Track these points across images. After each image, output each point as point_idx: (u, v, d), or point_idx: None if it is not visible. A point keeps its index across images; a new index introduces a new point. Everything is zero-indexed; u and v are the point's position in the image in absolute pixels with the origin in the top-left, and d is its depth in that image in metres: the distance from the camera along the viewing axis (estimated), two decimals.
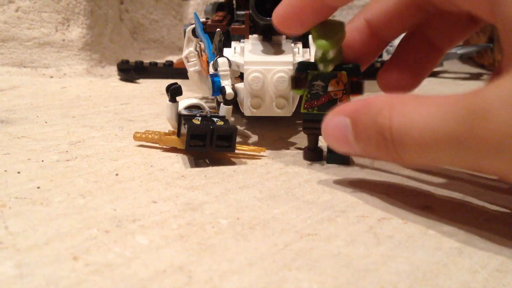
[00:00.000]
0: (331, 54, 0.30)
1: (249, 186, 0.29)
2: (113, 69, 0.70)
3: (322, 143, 0.33)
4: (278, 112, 0.34)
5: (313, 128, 0.32)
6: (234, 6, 0.47)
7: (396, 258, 0.21)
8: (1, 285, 0.19)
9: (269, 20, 0.34)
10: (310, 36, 0.39)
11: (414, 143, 0.22)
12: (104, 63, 0.72)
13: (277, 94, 0.34)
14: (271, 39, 0.37)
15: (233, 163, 0.33)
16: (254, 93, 0.34)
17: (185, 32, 0.44)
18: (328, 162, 0.33)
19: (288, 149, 0.36)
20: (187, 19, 0.96)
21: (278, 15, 0.30)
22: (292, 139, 0.39)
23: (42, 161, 0.33)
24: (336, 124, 0.26)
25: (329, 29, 0.29)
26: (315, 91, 0.31)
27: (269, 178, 0.30)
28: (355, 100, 0.26)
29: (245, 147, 0.35)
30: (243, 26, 0.38)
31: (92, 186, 0.28)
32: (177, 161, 0.33)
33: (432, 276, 0.20)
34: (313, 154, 0.33)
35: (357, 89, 0.32)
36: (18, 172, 0.30)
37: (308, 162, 0.33)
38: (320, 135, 0.29)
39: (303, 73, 0.31)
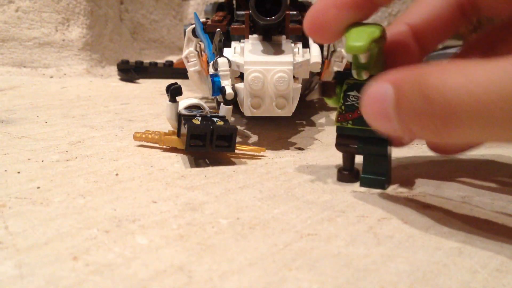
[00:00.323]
0: (362, 58, 0.26)
1: (249, 186, 0.29)
2: (113, 69, 0.69)
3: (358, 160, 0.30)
4: (278, 112, 0.34)
5: (347, 144, 0.29)
6: (234, 6, 0.47)
7: (396, 258, 0.21)
8: (1, 285, 0.19)
9: (269, 20, 0.34)
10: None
11: (471, 110, 0.19)
12: (104, 63, 0.72)
13: (277, 94, 0.34)
14: (271, 39, 0.37)
15: (233, 163, 0.33)
16: (254, 93, 0.34)
17: (185, 32, 0.44)
18: (361, 185, 0.29)
19: (288, 149, 0.36)
20: (187, 19, 0.96)
21: (309, 18, 0.26)
22: (292, 139, 0.39)
23: (42, 161, 0.33)
24: (375, 92, 0.22)
25: (364, 32, 0.25)
26: (350, 103, 0.28)
27: (269, 178, 0.30)
28: (404, 67, 0.22)
29: (245, 147, 0.35)
30: (243, 26, 0.38)
31: (92, 186, 0.28)
32: (177, 161, 0.33)
33: (432, 276, 0.20)
34: (349, 176, 0.29)
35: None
36: (18, 172, 0.30)
37: (307, 163, 0.33)
38: (357, 153, 0.28)
39: (332, 80, 0.29)
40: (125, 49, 0.80)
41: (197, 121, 0.32)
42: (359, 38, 0.25)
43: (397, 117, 0.22)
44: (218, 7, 0.53)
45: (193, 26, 0.42)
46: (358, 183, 0.29)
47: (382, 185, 0.28)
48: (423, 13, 0.28)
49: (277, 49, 0.36)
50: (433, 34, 0.28)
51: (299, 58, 0.36)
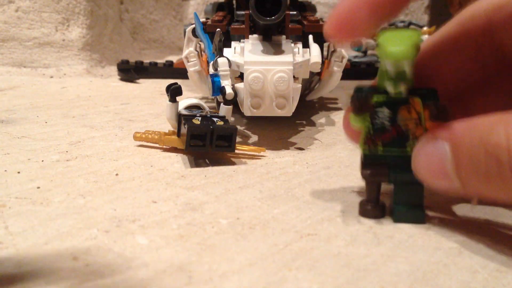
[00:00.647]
0: (406, 67, 0.22)
1: (249, 186, 0.29)
2: (113, 69, 0.70)
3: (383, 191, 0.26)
4: (278, 112, 0.34)
5: (376, 173, 0.24)
6: (234, 6, 0.47)
7: (396, 258, 0.21)
8: (1, 285, 0.19)
9: (269, 20, 0.34)
10: (310, 36, 0.39)
11: None
12: (104, 63, 0.72)
13: (277, 94, 0.34)
14: (271, 39, 0.37)
15: (233, 163, 0.33)
16: (254, 93, 0.34)
17: (185, 32, 0.44)
18: (395, 221, 0.24)
19: (288, 149, 0.36)
20: (187, 19, 0.96)
21: (336, 17, 0.23)
22: (292, 139, 0.39)
23: (42, 161, 0.33)
24: (431, 151, 0.21)
25: (402, 36, 0.22)
26: (380, 122, 0.24)
27: (269, 178, 0.30)
28: (454, 122, 0.21)
29: (245, 147, 0.35)
30: (243, 26, 0.38)
31: (92, 186, 0.28)
32: (177, 161, 0.33)
33: (432, 276, 0.20)
34: (375, 210, 0.25)
35: (441, 115, 0.22)
36: (18, 172, 0.30)
37: (307, 162, 0.33)
38: (385, 182, 0.24)
39: (368, 93, 0.24)
40: (125, 49, 0.80)
41: (197, 121, 0.32)
42: (399, 43, 0.22)
43: (457, 177, 0.20)
44: (218, 7, 0.53)
45: (193, 26, 0.42)
46: (387, 218, 0.25)
47: (422, 219, 0.24)
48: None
49: (277, 49, 0.36)
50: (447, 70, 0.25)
51: (299, 58, 0.36)
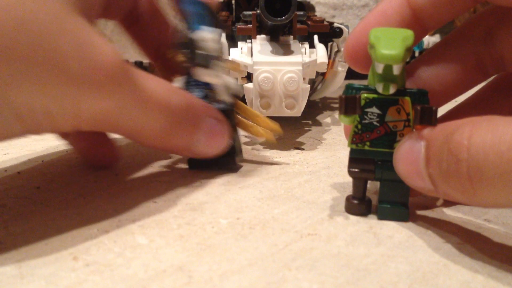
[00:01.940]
0: (396, 70, 0.22)
1: (249, 186, 0.29)
2: None
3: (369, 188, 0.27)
4: (288, 113, 0.34)
5: (362, 170, 0.24)
6: (234, 6, 0.47)
7: (396, 258, 0.21)
8: (1, 285, 0.19)
9: (279, 21, 0.34)
10: (315, 36, 0.39)
11: (499, 171, 0.17)
12: None
13: (286, 94, 0.34)
14: (279, 40, 0.37)
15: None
16: (264, 93, 0.34)
17: None
18: (379, 218, 0.25)
19: (288, 149, 0.36)
20: None
21: (351, 45, 0.24)
22: (293, 139, 0.39)
23: (42, 161, 0.33)
24: (408, 148, 0.21)
25: (396, 37, 0.22)
26: (369, 121, 0.24)
27: (269, 178, 0.30)
28: (435, 125, 0.21)
29: (261, 119, 0.31)
30: (250, 26, 0.38)
31: (92, 186, 0.28)
32: (177, 161, 0.33)
33: (432, 276, 0.20)
34: (360, 206, 0.25)
35: (427, 118, 0.22)
36: (18, 172, 0.30)
37: (307, 162, 0.33)
38: (371, 179, 0.24)
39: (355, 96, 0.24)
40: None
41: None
42: (392, 45, 0.21)
43: (425, 171, 0.20)
44: None
45: None
46: (372, 215, 0.25)
47: (405, 216, 0.24)
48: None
49: (286, 50, 0.36)
50: (437, 12, 0.24)
51: (306, 59, 0.36)
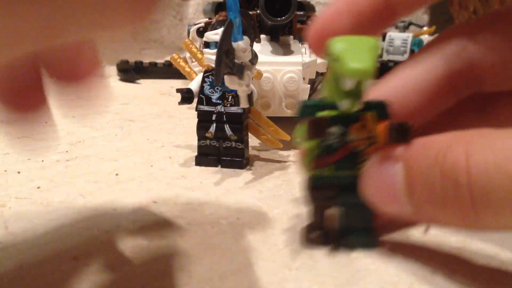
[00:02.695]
0: (366, 85, 0.20)
1: (249, 186, 0.29)
2: (113, 69, 0.69)
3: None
4: (288, 113, 0.34)
5: (323, 197, 0.21)
6: None
7: (396, 258, 0.21)
8: (1, 285, 0.19)
9: (279, 21, 0.34)
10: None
11: (507, 193, 0.15)
12: (104, 63, 0.72)
13: (286, 94, 0.34)
14: (278, 40, 0.37)
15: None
16: (264, 93, 0.34)
17: (189, 32, 0.44)
18: (347, 247, 0.21)
19: (288, 149, 0.36)
20: (187, 19, 0.96)
21: (315, 29, 0.21)
22: (293, 139, 0.39)
23: (42, 161, 0.33)
24: (381, 173, 0.19)
25: (362, 47, 0.19)
26: (330, 142, 0.21)
27: (269, 178, 0.30)
28: (409, 143, 0.19)
29: (272, 127, 0.32)
30: None
31: (92, 186, 0.28)
32: (177, 161, 0.33)
33: (432, 276, 0.20)
34: (321, 237, 0.22)
35: (401, 136, 0.19)
36: (18, 172, 0.30)
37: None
38: (333, 206, 0.22)
39: (322, 116, 0.21)
40: (125, 49, 0.80)
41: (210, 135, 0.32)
42: (361, 58, 0.18)
43: (409, 201, 0.18)
44: (217, 7, 0.53)
45: (197, 26, 0.42)
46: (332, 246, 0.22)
47: (373, 244, 0.22)
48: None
49: (286, 50, 0.36)
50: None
51: (306, 59, 0.36)
